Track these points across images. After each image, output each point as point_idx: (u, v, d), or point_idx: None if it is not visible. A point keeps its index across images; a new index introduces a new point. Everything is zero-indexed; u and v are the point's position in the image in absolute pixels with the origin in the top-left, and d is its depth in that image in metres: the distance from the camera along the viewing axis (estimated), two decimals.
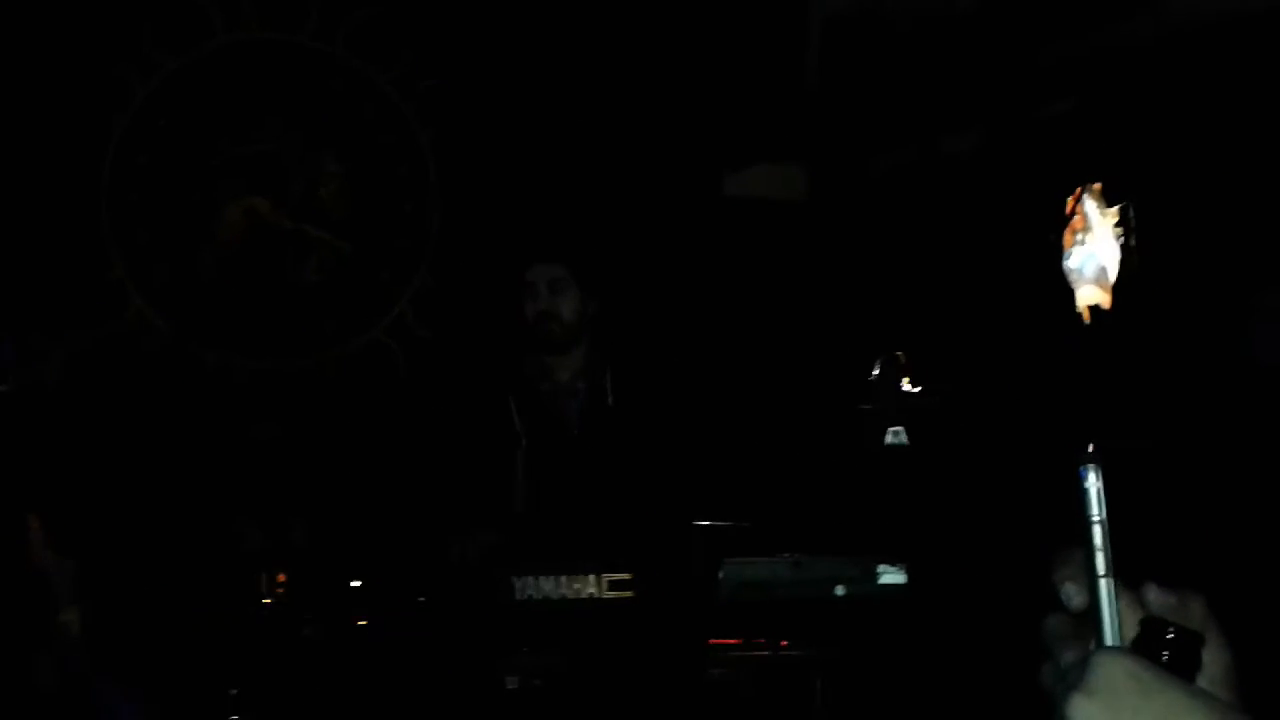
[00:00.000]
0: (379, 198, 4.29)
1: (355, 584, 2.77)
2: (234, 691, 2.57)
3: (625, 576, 2.44)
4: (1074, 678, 0.70)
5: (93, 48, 3.99)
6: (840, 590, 2.44)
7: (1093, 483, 0.73)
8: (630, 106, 4.30)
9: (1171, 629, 0.72)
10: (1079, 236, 3.46)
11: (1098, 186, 3.47)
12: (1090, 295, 3.39)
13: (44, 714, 2.54)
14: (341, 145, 4.27)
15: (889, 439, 2.77)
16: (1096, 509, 0.73)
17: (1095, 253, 3.32)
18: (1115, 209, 3.10)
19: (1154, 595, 0.76)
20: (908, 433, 2.77)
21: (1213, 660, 0.73)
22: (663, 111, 4.30)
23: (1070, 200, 3.55)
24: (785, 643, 2.48)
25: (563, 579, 2.44)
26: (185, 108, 4.11)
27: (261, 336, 4.12)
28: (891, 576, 2.43)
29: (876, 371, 2.97)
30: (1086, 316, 2.72)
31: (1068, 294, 3.25)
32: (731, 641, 2.48)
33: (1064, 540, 0.79)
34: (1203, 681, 0.72)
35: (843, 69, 4.43)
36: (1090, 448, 0.74)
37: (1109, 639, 0.73)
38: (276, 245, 4.16)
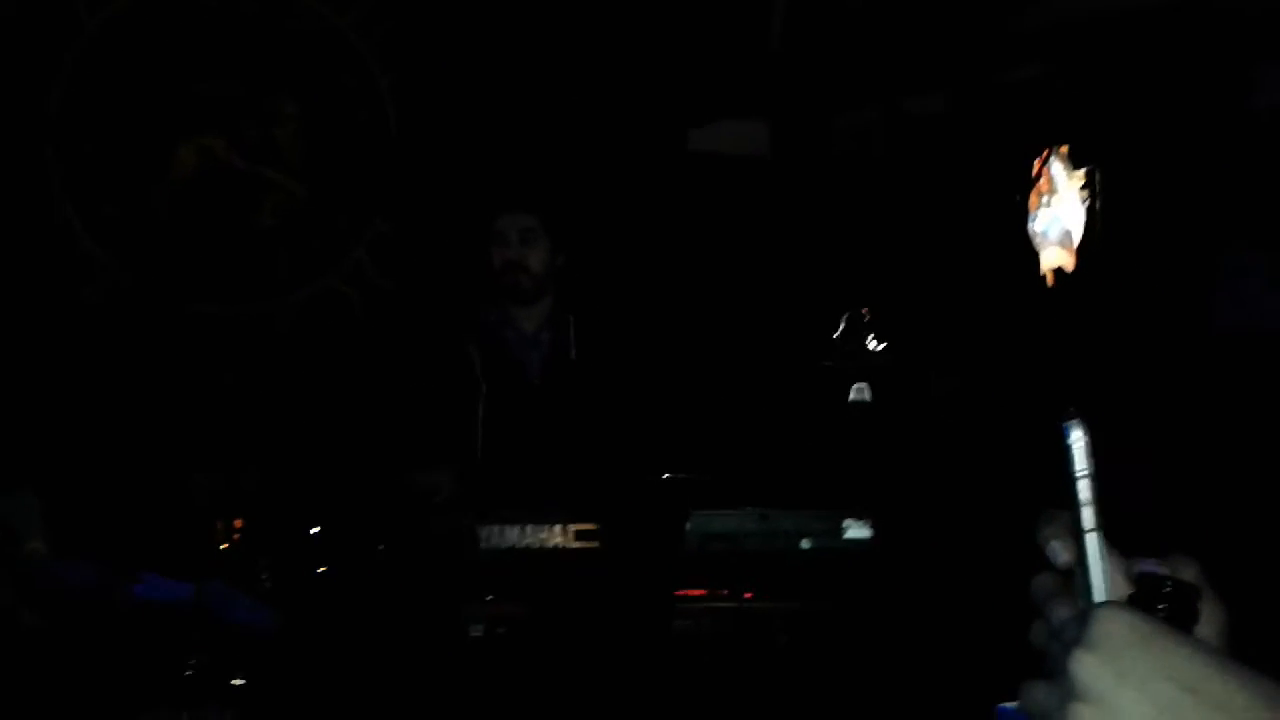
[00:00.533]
0: (336, 142, 4.20)
1: (314, 531, 2.73)
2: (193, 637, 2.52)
3: (591, 527, 2.43)
4: (1071, 634, 0.70)
5: None
6: (806, 543, 2.45)
7: (1078, 438, 0.73)
8: (595, 58, 4.23)
9: (1169, 582, 0.72)
10: (1045, 199, 3.48)
11: (1064, 149, 3.48)
12: (1055, 257, 3.39)
13: (34, 648, 2.48)
14: (298, 87, 4.16)
15: (853, 395, 2.77)
16: (1082, 464, 0.73)
17: (1060, 215, 3.33)
18: (1082, 171, 3.11)
19: (1146, 567, 0.75)
20: (871, 389, 2.78)
21: (1208, 620, 0.73)
22: (627, 64, 4.24)
23: (1037, 163, 3.56)
24: (750, 595, 2.49)
25: (528, 528, 2.42)
26: (136, 42, 3.97)
27: (214, 281, 4.03)
28: (857, 531, 2.44)
29: (841, 328, 2.97)
30: (1050, 279, 2.73)
31: (1032, 256, 3.28)
32: (697, 593, 2.49)
33: (1036, 495, 0.78)
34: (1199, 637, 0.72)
35: (808, 26, 4.39)
36: (1073, 404, 0.74)
37: (1098, 594, 0.73)
38: (231, 187, 4.06)
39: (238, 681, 2.46)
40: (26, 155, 3.85)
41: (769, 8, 4.41)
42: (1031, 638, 0.75)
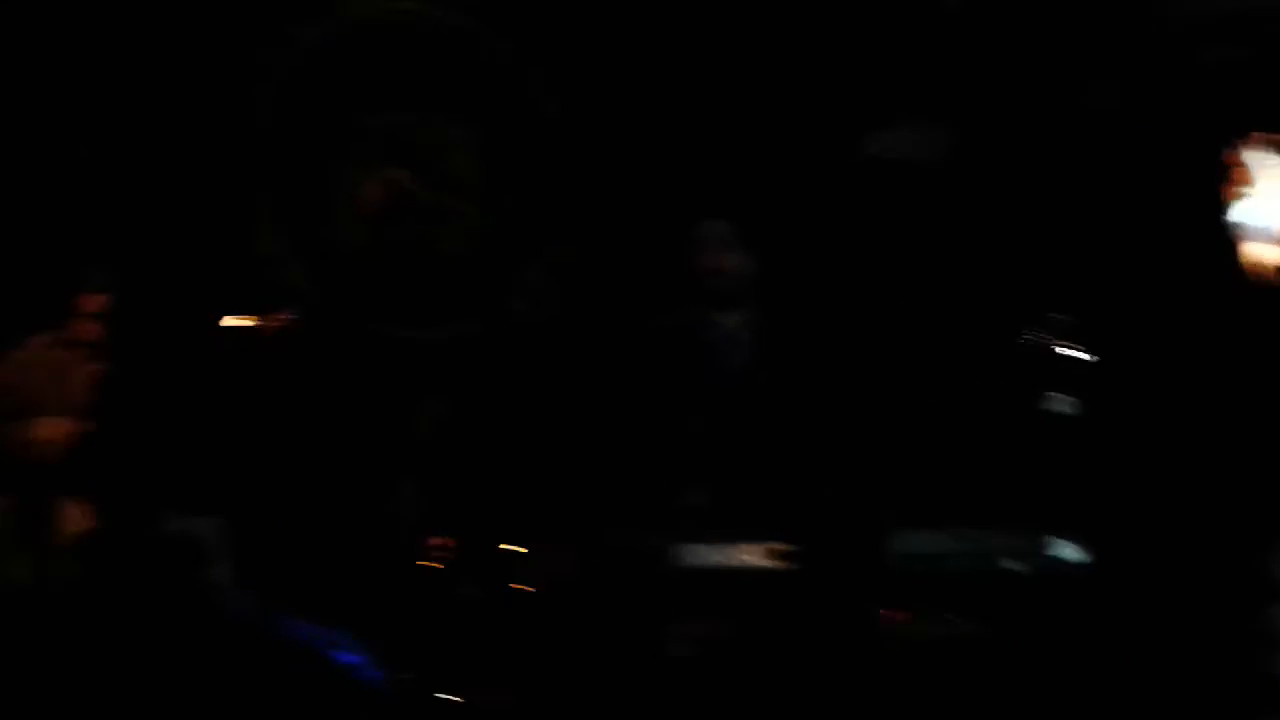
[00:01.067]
0: (510, 167, 4.31)
1: (516, 549, 2.81)
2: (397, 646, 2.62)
3: (790, 546, 2.42)
4: None
5: (230, 20, 4.06)
6: (1010, 565, 2.38)
7: None
8: (766, 61, 4.21)
9: None
10: (1243, 189, 3.30)
11: (1266, 136, 3.30)
12: (1260, 251, 3.22)
13: (210, 668, 2.64)
14: (473, 115, 4.30)
15: (1051, 406, 2.68)
16: None
17: (1263, 205, 3.17)
18: None
19: None
20: (1072, 400, 2.68)
21: None
22: (801, 68, 4.21)
23: (1234, 151, 3.39)
24: (953, 616, 2.44)
25: (726, 547, 2.43)
26: (321, 80, 4.17)
27: (405, 307, 4.19)
28: (1064, 553, 2.36)
29: (1034, 336, 2.87)
30: (1269, 273, 2.59)
31: (1232, 250, 3.11)
32: (899, 614, 2.45)
33: (1264, 517, 0.74)
34: None
35: (979, 16, 4.28)
36: None
37: None
38: (414, 216, 4.22)
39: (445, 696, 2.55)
40: (226, 188, 4.08)
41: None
42: (1274, 671, 0.72)
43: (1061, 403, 2.63)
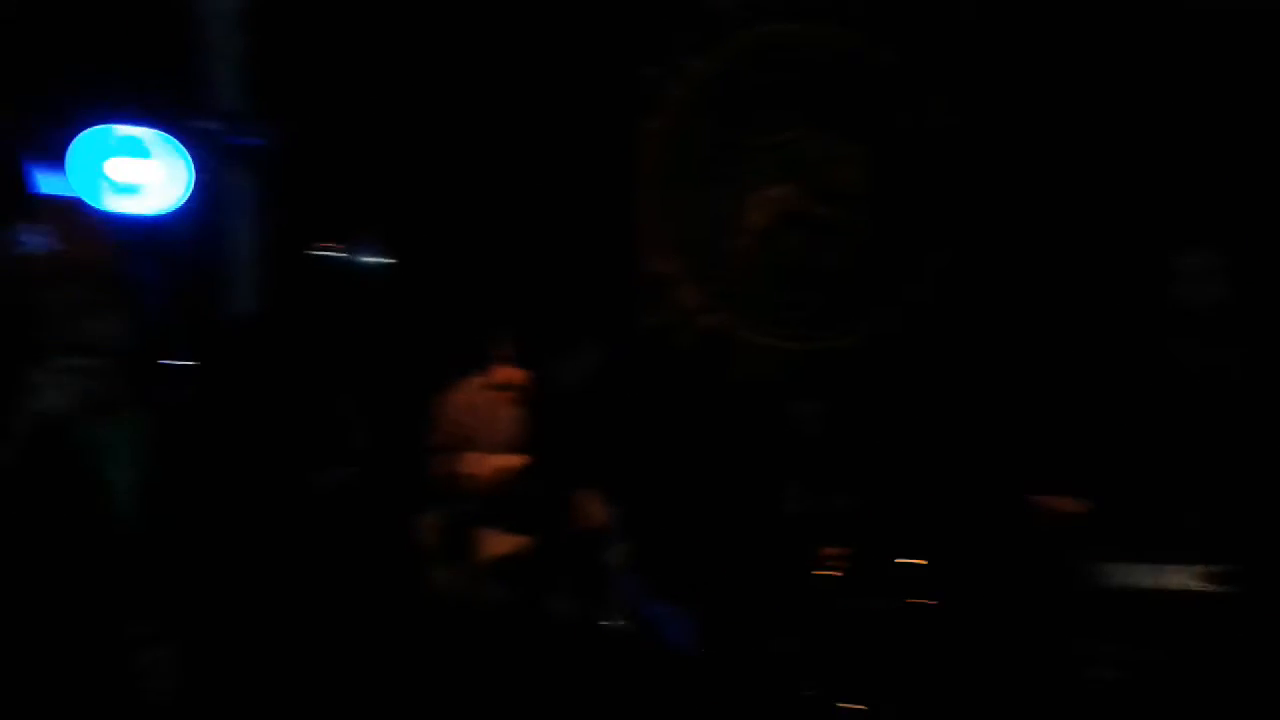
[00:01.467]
0: (895, 180, 4.29)
1: (912, 561, 2.78)
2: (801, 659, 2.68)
3: (1227, 569, 2.22)
4: None
5: (623, 50, 4.32)
6: None
7: None
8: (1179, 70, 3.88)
9: None
10: None
11: None
12: None
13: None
14: (857, 130, 4.32)
15: None
16: None
17: None
18: None
19: None
20: None
21: None
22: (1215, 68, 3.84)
23: None
24: None
25: (1156, 567, 2.27)
26: (710, 103, 4.35)
27: (793, 319, 4.28)
28: None
29: None
30: None
31: None
32: None
33: None
34: None
35: None
36: None
37: None
38: (802, 231, 4.30)
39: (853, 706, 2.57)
40: (617, 214, 4.35)
41: None
42: None
43: None
